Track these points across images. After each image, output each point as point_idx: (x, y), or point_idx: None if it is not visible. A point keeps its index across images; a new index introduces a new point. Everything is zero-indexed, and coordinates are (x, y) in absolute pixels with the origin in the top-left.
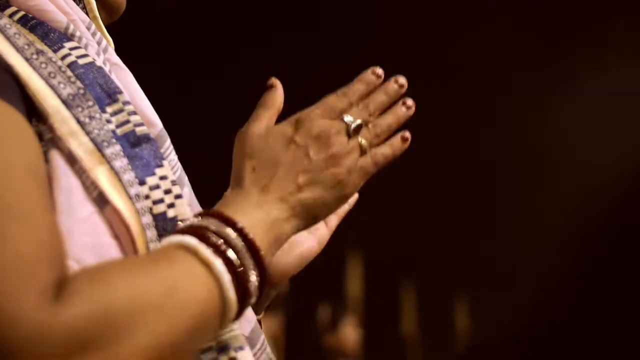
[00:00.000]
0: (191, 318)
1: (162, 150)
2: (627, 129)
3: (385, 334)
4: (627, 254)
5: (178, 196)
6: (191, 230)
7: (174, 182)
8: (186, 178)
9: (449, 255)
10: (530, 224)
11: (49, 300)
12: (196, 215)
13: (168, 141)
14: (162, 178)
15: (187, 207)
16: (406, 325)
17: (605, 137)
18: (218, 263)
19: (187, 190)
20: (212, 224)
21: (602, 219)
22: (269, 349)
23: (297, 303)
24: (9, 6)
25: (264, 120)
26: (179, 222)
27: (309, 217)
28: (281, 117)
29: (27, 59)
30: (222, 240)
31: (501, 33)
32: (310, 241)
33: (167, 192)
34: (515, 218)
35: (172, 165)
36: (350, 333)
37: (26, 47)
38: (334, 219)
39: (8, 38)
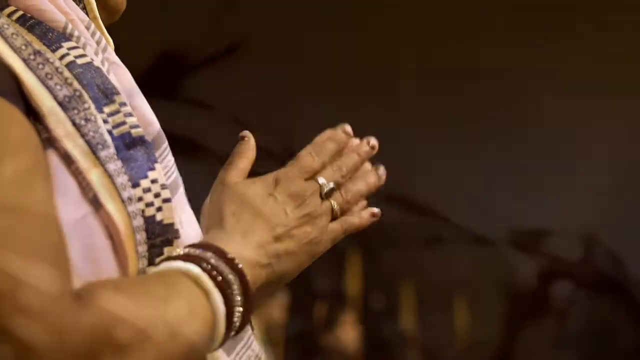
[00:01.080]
0: (190, 344)
1: (158, 153)
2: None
3: (384, 331)
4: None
5: (166, 200)
6: (192, 259)
7: (163, 186)
8: (180, 180)
9: (449, 253)
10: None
11: (70, 300)
12: (192, 246)
13: (165, 143)
14: (154, 181)
15: (175, 211)
16: (405, 324)
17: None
18: (218, 297)
19: (181, 196)
20: (212, 257)
21: (601, 219)
22: (255, 345)
23: (296, 300)
24: (7, 5)
25: (241, 169)
26: (165, 226)
27: (281, 270)
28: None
29: (24, 60)
30: (216, 272)
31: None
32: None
33: (157, 195)
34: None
35: (167, 168)
36: (348, 331)
37: (24, 47)
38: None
39: (5, 39)
